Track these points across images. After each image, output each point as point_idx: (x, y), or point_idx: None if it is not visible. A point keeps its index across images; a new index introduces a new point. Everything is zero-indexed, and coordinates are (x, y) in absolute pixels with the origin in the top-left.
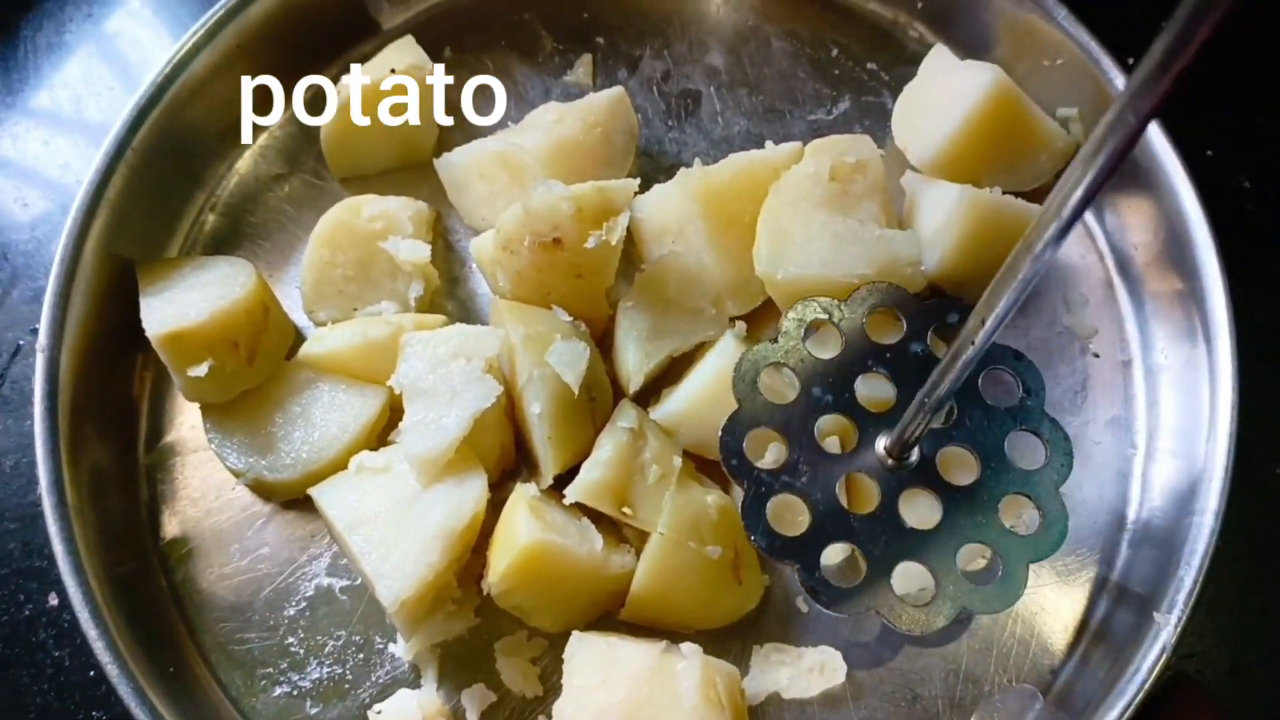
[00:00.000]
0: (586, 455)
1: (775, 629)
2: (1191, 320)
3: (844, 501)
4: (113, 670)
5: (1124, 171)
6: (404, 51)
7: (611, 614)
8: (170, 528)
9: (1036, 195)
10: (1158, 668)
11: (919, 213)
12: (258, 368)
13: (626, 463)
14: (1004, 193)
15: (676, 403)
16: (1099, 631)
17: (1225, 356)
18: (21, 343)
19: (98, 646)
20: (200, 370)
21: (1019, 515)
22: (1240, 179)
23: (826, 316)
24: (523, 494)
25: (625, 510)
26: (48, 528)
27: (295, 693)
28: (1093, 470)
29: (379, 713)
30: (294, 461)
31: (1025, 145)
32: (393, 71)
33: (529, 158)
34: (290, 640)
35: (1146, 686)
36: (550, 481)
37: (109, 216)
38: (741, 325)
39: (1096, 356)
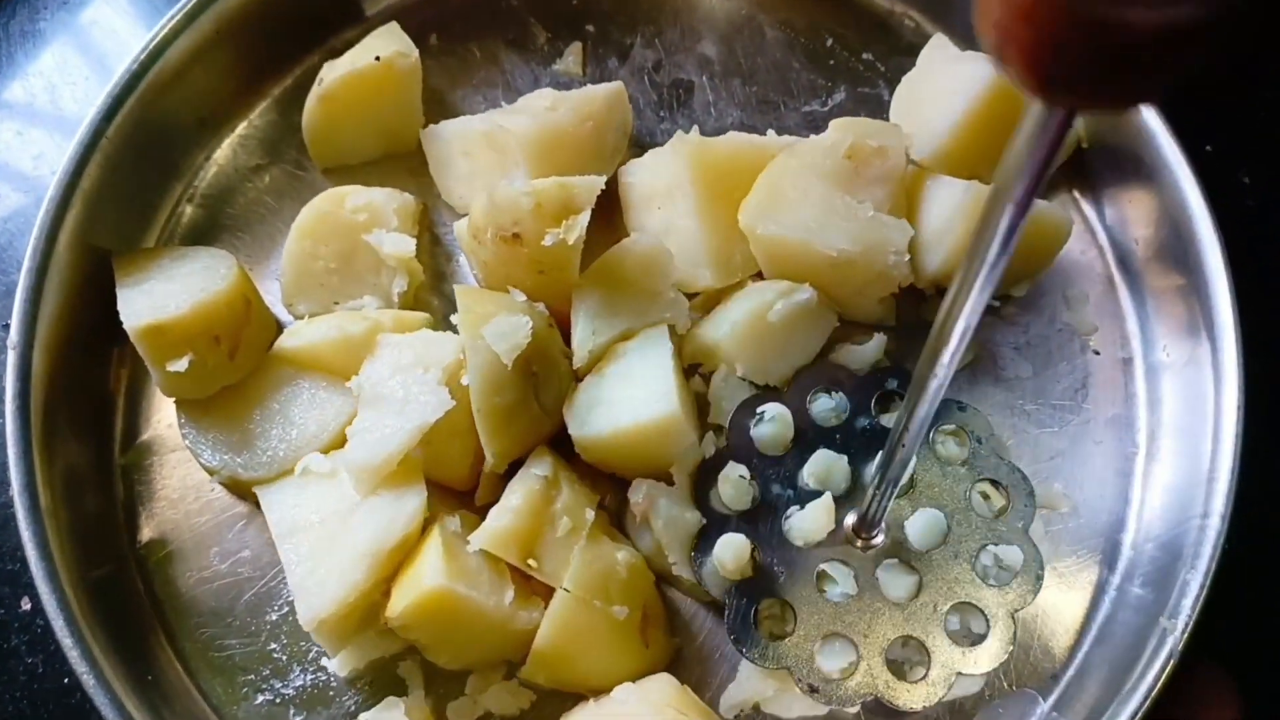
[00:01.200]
0: (534, 442)
1: None
2: (1194, 316)
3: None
4: (88, 680)
5: (1126, 164)
6: (387, 38)
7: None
8: (148, 530)
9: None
10: (1165, 675)
11: (922, 207)
12: (239, 363)
13: (536, 512)
14: None
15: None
16: (1101, 635)
17: (1230, 353)
18: None
19: (73, 655)
20: (180, 365)
21: (996, 565)
22: (1240, 174)
23: (765, 413)
24: (441, 530)
25: (530, 562)
26: (20, 531)
27: (278, 700)
28: (1093, 470)
29: None
30: (270, 460)
31: None
32: (376, 59)
33: (513, 140)
34: (273, 646)
35: (1154, 694)
36: (498, 466)
37: (83, 207)
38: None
39: (1097, 354)
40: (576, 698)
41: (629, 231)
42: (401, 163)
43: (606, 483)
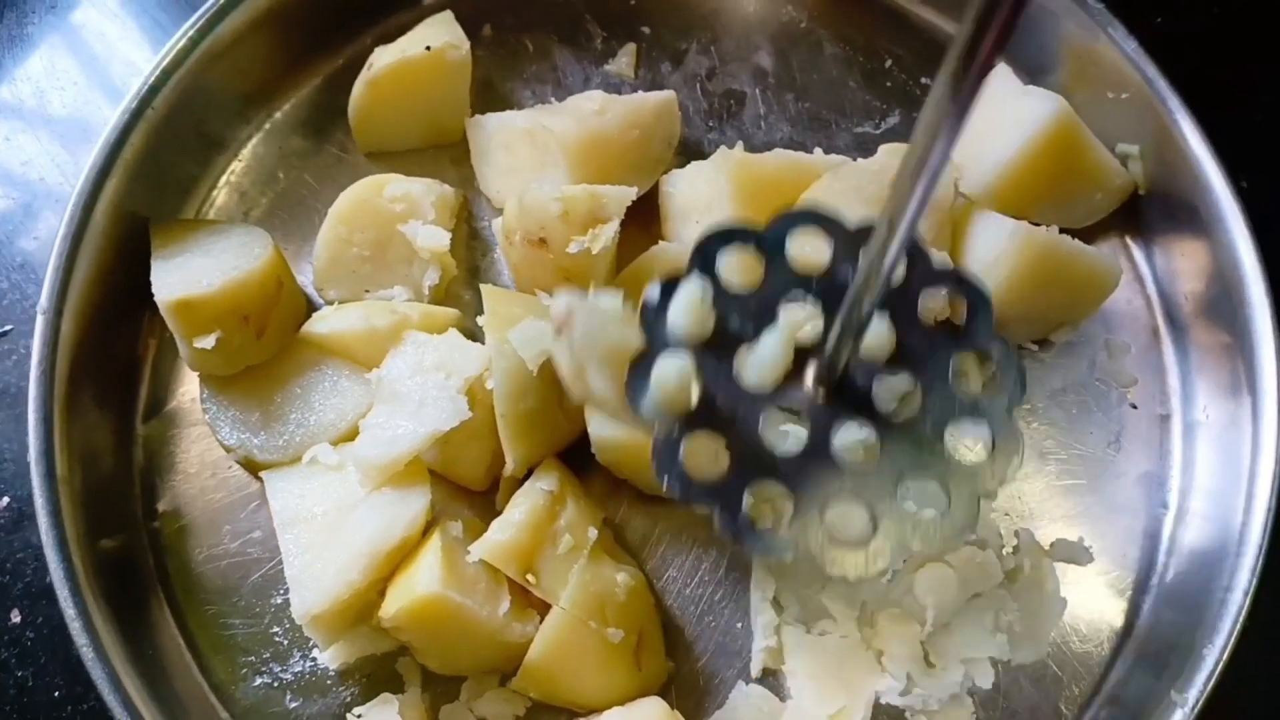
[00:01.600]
0: (554, 448)
1: None
2: (1238, 378)
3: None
4: (87, 653)
5: (1182, 215)
6: (440, 28)
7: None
8: (163, 502)
9: (1088, 234)
10: None
11: (968, 243)
12: (266, 343)
13: (539, 527)
14: (1057, 230)
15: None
16: (1113, 696)
17: (1271, 421)
18: None
19: (74, 627)
20: (208, 342)
21: (971, 445)
22: (1239, 180)
23: (744, 241)
24: (442, 534)
25: (529, 577)
26: (34, 498)
27: (276, 684)
28: (1120, 526)
29: (359, 716)
30: (285, 443)
31: (1082, 181)
32: (427, 48)
33: (554, 141)
34: (275, 630)
35: None
36: (517, 471)
37: (124, 176)
38: None
39: (1134, 408)
40: (570, 710)
41: (668, 240)
42: (446, 152)
43: (614, 499)
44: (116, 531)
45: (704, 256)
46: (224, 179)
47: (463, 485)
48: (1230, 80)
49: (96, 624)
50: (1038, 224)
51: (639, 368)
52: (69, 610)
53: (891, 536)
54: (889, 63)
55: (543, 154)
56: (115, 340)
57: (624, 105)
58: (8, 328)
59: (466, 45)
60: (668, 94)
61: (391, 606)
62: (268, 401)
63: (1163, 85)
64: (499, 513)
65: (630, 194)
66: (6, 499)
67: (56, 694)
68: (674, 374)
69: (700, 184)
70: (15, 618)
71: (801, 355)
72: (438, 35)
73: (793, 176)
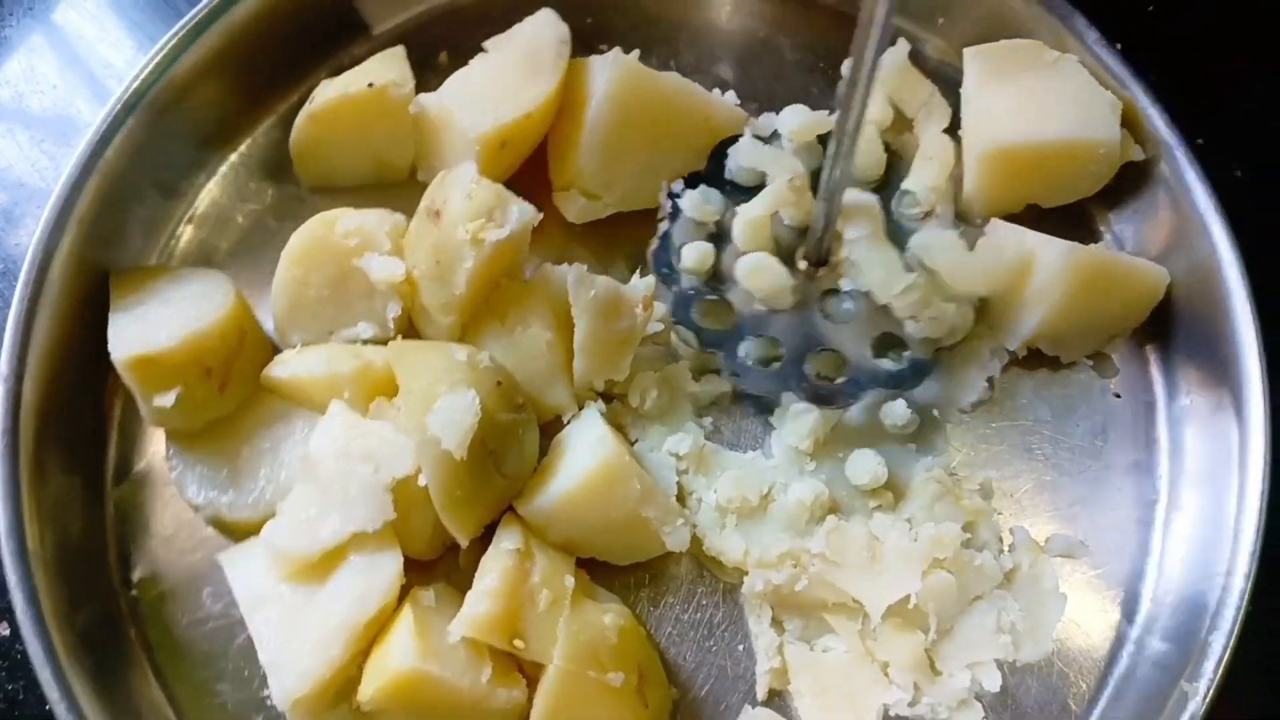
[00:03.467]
0: (499, 511)
1: None
2: (1220, 363)
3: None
4: None
5: (1153, 203)
6: (388, 63)
7: None
8: (139, 568)
9: (1064, 219)
10: None
11: (1004, 263)
12: (230, 395)
13: (514, 590)
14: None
15: (548, 500)
16: (1119, 690)
17: (1257, 403)
18: None
19: (59, 709)
20: (167, 399)
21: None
22: (1233, 169)
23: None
24: (414, 604)
25: (517, 643)
26: (6, 574)
27: None
28: (1112, 518)
29: None
30: (255, 501)
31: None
32: (369, 85)
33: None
34: (266, 693)
35: None
36: (465, 544)
37: (79, 230)
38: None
39: (1118, 397)
40: None
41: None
42: (398, 190)
43: None
44: (93, 602)
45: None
46: (183, 224)
47: (413, 558)
48: (1221, 68)
49: (82, 705)
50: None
51: (666, 240)
52: (52, 694)
53: (861, 375)
54: None
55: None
56: (80, 400)
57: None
58: None
59: (410, 84)
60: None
61: (369, 687)
62: (235, 457)
63: (1130, 78)
64: (463, 571)
65: (535, 216)
66: None
67: (48, 708)
68: (696, 251)
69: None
70: (4, 630)
71: (792, 243)
72: (384, 72)
73: None
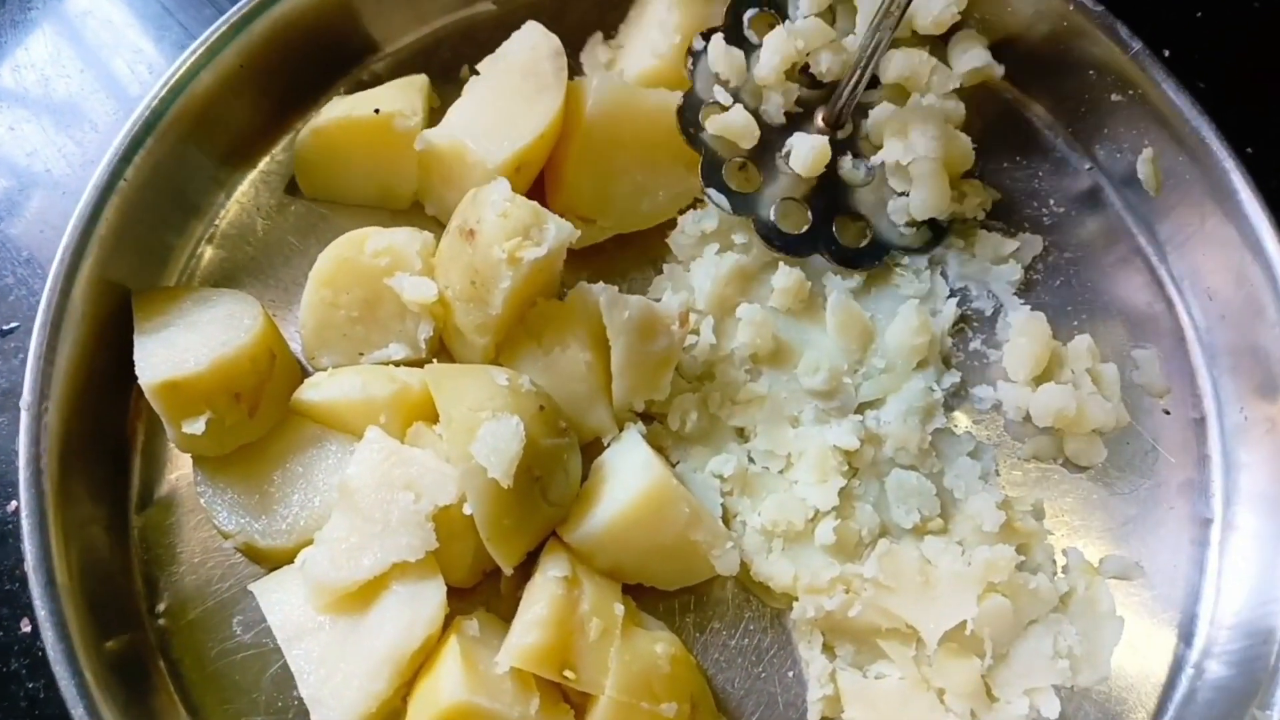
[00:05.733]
0: (544, 536)
1: None
2: (1275, 374)
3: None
4: None
5: (1197, 211)
6: (402, 92)
7: None
8: (166, 597)
9: (1104, 243)
10: None
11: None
12: (259, 420)
13: (564, 620)
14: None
15: (594, 526)
16: (1180, 715)
17: None
18: None
19: None
20: (197, 426)
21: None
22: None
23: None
24: (459, 634)
25: (568, 674)
26: (35, 609)
27: None
28: (1166, 537)
29: None
30: (289, 528)
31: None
32: (376, 111)
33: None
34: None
35: None
36: (509, 572)
37: (100, 252)
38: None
39: (1167, 414)
40: None
41: None
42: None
43: None
44: (122, 631)
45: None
46: (203, 244)
47: (449, 585)
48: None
49: None
50: None
51: (691, 101)
52: None
53: (881, 235)
54: None
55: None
56: (103, 426)
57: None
58: (14, 324)
59: (419, 116)
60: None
61: None
62: (266, 482)
63: (1170, 85)
64: (503, 598)
65: (573, 234)
66: (14, 503)
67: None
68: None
69: None
70: (26, 627)
71: (810, 108)
72: (395, 99)
73: None
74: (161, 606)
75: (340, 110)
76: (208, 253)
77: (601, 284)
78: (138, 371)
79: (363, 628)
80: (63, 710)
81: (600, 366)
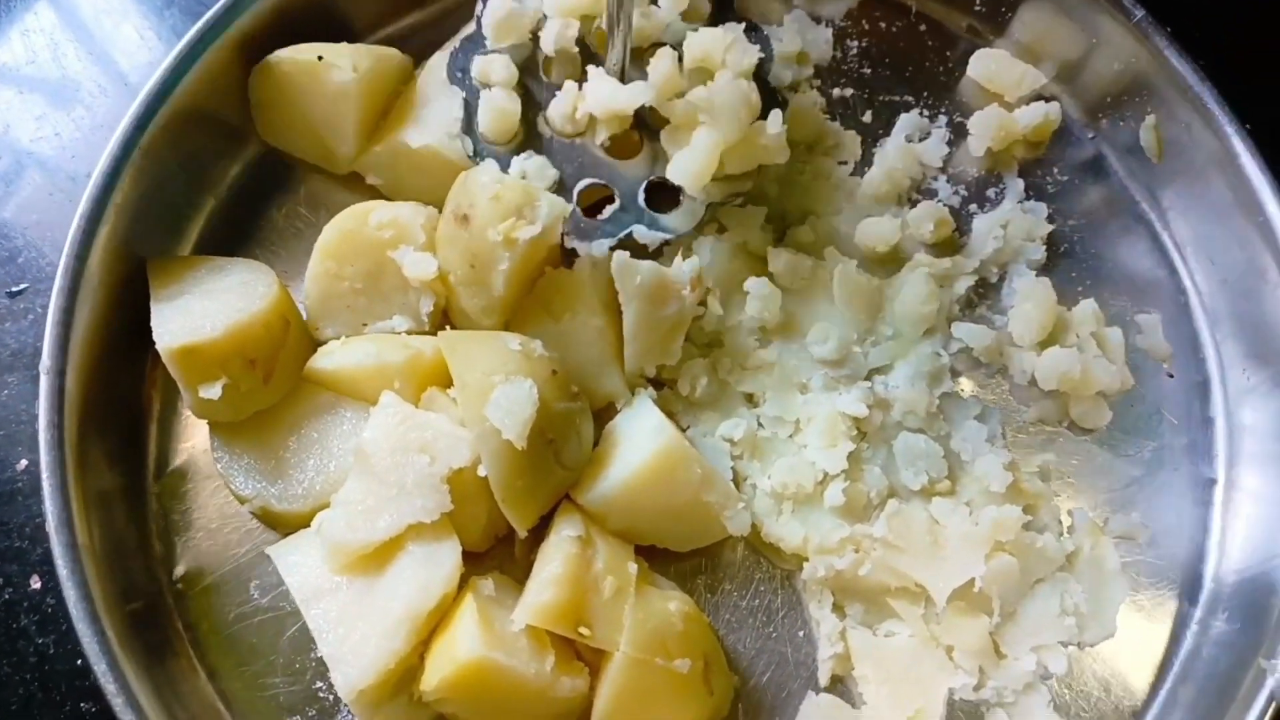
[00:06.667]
0: (558, 499)
1: None
2: (1276, 335)
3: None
4: None
5: (1200, 176)
6: (362, 54)
7: None
8: (184, 562)
9: (1105, 204)
10: (1266, 717)
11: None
12: (274, 386)
13: (578, 578)
14: None
15: (607, 488)
16: (1185, 671)
17: None
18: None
19: (117, 703)
20: (213, 391)
21: None
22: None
23: None
24: (475, 593)
25: (583, 630)
26: (57, 569)
27: None
28: (1170, 499)
29: None
30: (305, 492)
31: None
32: (319, 58)
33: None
34: (319, 685)
35: None
36: (524, 534)
37: (116, 219)
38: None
39: (1171, 377)
40: None
41: None
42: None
43: None
44: (140, 595)
45: None
46: (214, 214)
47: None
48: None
49: (140, 699)
50: None
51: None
52: (109, 686)
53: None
54: None
55: None
56: (120, 392)
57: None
58: (23, 286)
59: (360, 74)
60: None
61: (433, 677)
62: (282, 448)
63: (1172, 53)
64: (517, 562)
65: (566, 207)
66: (24, 462)
67: (79, 662)
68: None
69: None
70: (35, 584)
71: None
72: (356, 57)
73: None
74: (179, 572)
75: (288, 52)
76: (218, 223)
77: (614, 249)
78: (155, 337)
79: (379, 587)
80: (71, 666)
81: (611, 333)
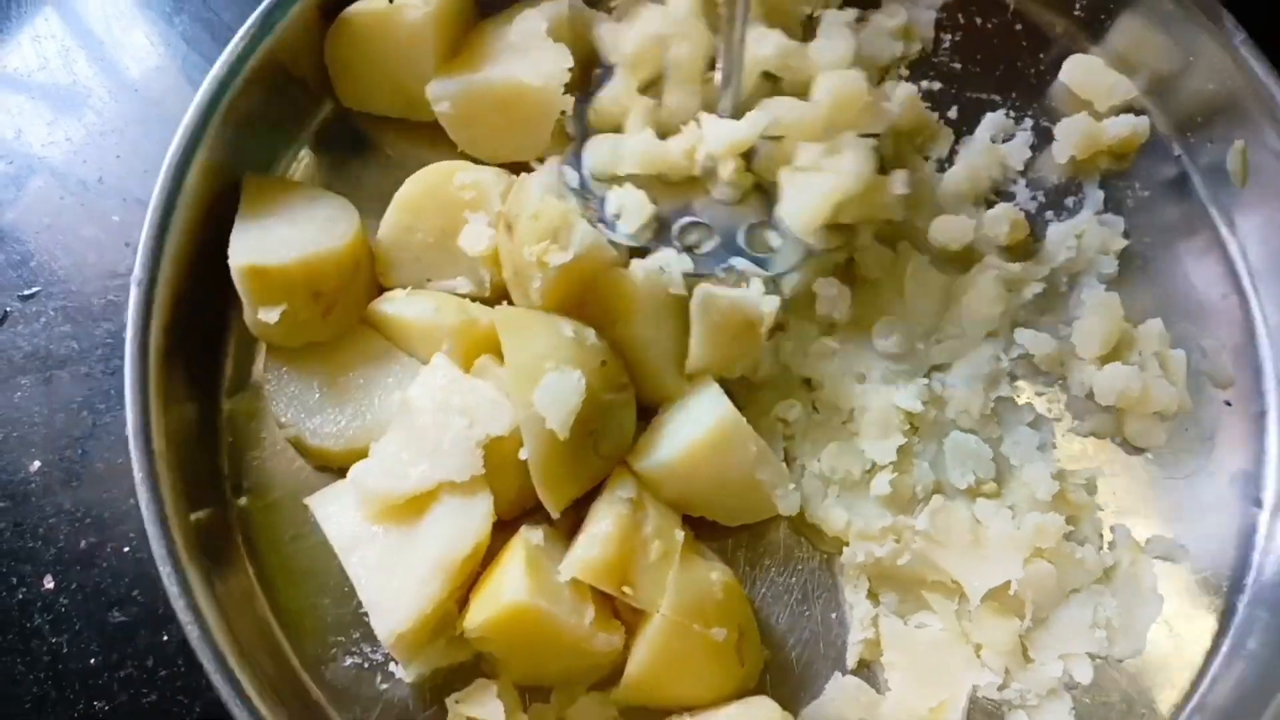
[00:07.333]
0: (590, 487)
1: None
2: None
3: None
4: (192, 631)
5: (1277, 202)
6: None
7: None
8: (249, 479)
9: (1184, 224)
10: None
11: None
12: (331, 322)
13: (627, 538)
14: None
15: (663, 457)
16: (1211, 699)
17: None
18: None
19: (179, 604)
20: (272, 315)
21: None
22: None
23: None
24: (525, 540)
25: (626, 589)
26: (133, 471)
27: (367, 665)
28: (1213, 526)
29: (457, 700)
30: (338, 432)
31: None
32: (390, 1)
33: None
34: (365, 611)
35: None
36: (556, 516)
37: (217, 135)
38: None
39: (1229, 405)
40: (664, 710)
41: None
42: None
43: None
44: (206, 506)
45: None
46: (306, 147)
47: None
48: None
49: (200, 601)
50: None
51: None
52: (172, 588)
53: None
54: None
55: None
56: (203, 308)
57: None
58: (35, 289)
59: (432, 8)
60: None
61: (477, 616)
62: (329, 384)
63: (1271, 79)
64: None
65: (600, 240)
66: (38, 463)
67: (92, 661)
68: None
69: None
70: (49, 583)
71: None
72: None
73: None
74: (245, 486)
75: (359, 5)
76: (307, 159)
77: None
78: (230, 252)
79: (415, 536)
80: (84, 665)
81: (675, 337)
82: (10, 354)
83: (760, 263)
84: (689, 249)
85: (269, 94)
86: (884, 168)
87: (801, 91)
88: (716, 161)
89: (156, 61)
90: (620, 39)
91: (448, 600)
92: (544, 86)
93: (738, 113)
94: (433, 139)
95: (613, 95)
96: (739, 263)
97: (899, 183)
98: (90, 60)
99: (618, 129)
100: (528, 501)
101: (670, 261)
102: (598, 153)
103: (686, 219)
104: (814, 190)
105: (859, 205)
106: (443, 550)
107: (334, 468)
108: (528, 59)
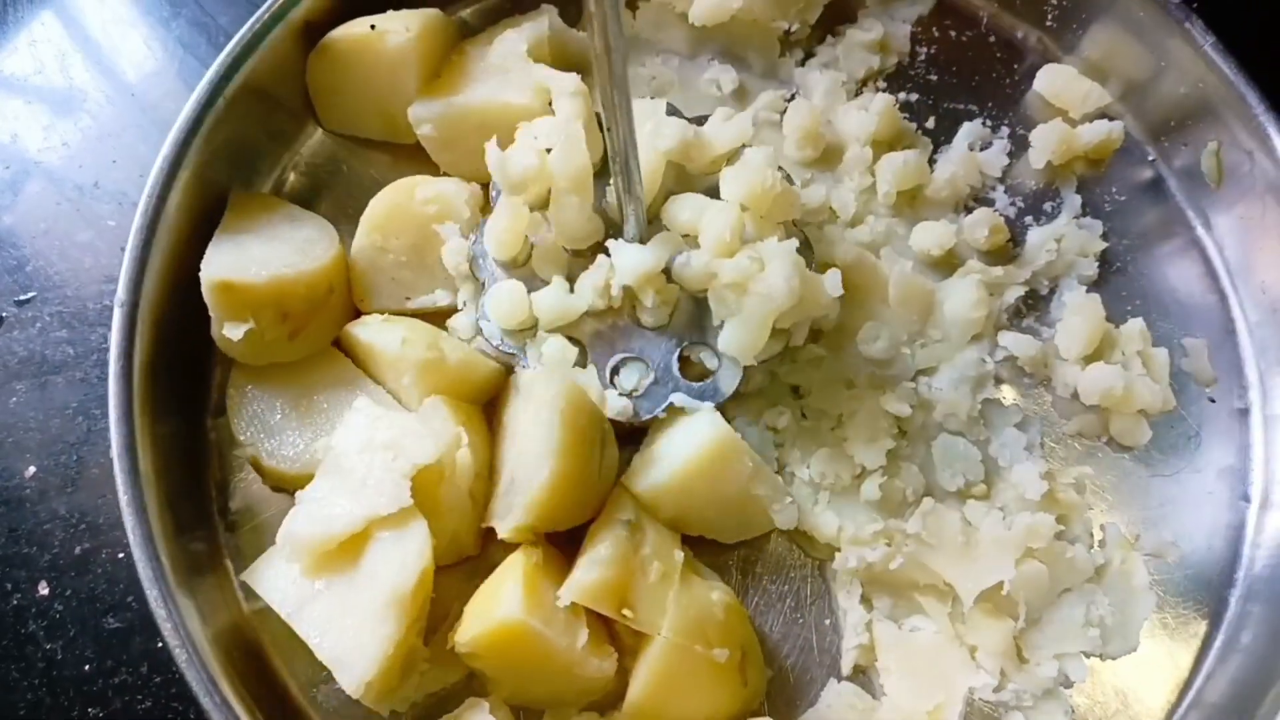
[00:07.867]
0: (589, 513)
1: None
2: None
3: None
4: (181, 655)
5: (1256, 204)
6: (409, 17)
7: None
8: (235, 500)
9: (1162, 228)
10: None
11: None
12: (298, 344)
13: (626, 560)
14: None
15: (660, 477)
16: (1204, 692)
17: None
18: (3, 314)
19: (166, 628)
20: (236, 331)
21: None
22: None
23: None
24: (524, 558)
25: (626, 612)
26: (118, 495)
27: None
28: (1202, 521)
29: None
30: (295, 456)
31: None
32: (371, 27)
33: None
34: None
35: None
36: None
37: (199, 156)
38: None
39: (1212, 402)
40: None
41: None
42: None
43: None
44: (194, 529)
45: None
46: (289, 170)
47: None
48: None
49: (191, 627)
50: None
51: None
52: (160, 611)
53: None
54: None
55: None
56: (186, 329)
57: None
58: (30, 294)
59: (412, 32)
60: None
61: (469, 630)
62: (290, 406)
63: (1240, 80)
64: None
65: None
66: (32, 469)
67: (86, 667)
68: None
69: None
70: (43, 589)
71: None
72: (400, 19)
73: None
74: (232, 508)
75: (341, 31)
76: (291, 179)
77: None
78: (203, 264)
79: (357, 581)
80: (79, 672)
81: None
82: (5, 359)
83: (699, 391)
84: (629, 394)
85: (251, 118)
86: (808, 259)
87: (713, 168)
88: (634, 289)
89: (153, 66)
90: (506, 164)
91: (408, 636)
92: (526, 106)
93: (644, 232)
94: (416, 161)
95: (504, 225)
96: (679, 399)
97: (832, 285)
98: (87, 64)
99: (516, 260)
100: (465, 547)
101: (613, 409)
102: (502, 309)
103: (618, 356)
104: (747, 318)
105: (793, 312)
106: (389, 588)
107: (289, 490)
108: (509, 80)
